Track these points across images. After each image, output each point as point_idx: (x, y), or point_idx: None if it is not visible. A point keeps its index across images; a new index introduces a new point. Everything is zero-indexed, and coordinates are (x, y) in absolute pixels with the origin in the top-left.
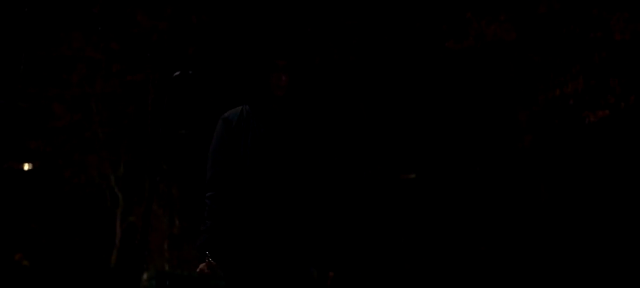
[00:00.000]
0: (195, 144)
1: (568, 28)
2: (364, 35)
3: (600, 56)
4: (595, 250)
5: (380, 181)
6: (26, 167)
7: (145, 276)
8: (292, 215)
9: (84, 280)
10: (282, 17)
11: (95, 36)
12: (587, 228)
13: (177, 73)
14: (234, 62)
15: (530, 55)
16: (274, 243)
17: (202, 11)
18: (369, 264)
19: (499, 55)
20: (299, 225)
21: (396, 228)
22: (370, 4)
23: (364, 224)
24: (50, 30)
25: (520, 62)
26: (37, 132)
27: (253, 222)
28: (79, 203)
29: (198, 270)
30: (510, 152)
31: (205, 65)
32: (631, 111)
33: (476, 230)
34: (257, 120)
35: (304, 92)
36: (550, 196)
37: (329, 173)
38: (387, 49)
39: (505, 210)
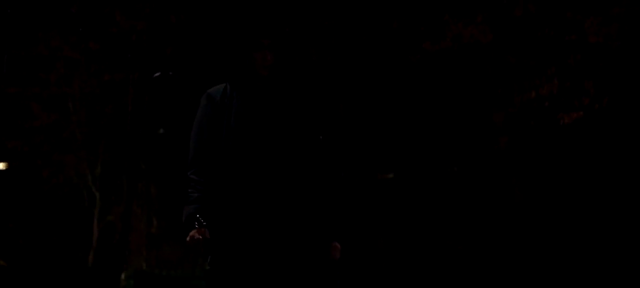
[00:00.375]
0: (173, 144)
1: (543, 31)
2: (342, 36)
3: (575, 58)
4: (569, 250)
5: (358, 181)
6: (3, 166)
7: (123, 276)
8: (276, 195)
9: (61, 280)
10: (261, 18)
11: (74, 36)
12: (561, 229)
13: (158, 74)
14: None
15: (507, 57)
16: (259, 221)
17: (180, 11)
18: (347, 264)
19: (475, 56)
20: (284, 204)
21: (373, 228)
22: (348, 5)
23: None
24: (28, 30)
25: (496, 64)
26: (15, 132)
27: (236, 201)
28: (57, 203)
29: (188, 238)
30: (486, 153)
31: (183, 65)
32: (605, 113)
33: (454, 230)
34: (241, 99)
35: (290, 75)
36: (525, 197)
37: (312, 157)
38: (366, 50)
39: (482, 210)
